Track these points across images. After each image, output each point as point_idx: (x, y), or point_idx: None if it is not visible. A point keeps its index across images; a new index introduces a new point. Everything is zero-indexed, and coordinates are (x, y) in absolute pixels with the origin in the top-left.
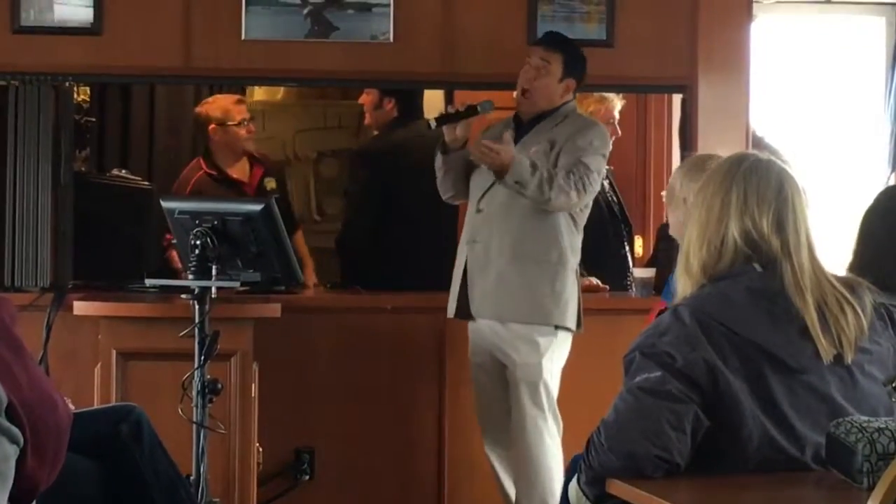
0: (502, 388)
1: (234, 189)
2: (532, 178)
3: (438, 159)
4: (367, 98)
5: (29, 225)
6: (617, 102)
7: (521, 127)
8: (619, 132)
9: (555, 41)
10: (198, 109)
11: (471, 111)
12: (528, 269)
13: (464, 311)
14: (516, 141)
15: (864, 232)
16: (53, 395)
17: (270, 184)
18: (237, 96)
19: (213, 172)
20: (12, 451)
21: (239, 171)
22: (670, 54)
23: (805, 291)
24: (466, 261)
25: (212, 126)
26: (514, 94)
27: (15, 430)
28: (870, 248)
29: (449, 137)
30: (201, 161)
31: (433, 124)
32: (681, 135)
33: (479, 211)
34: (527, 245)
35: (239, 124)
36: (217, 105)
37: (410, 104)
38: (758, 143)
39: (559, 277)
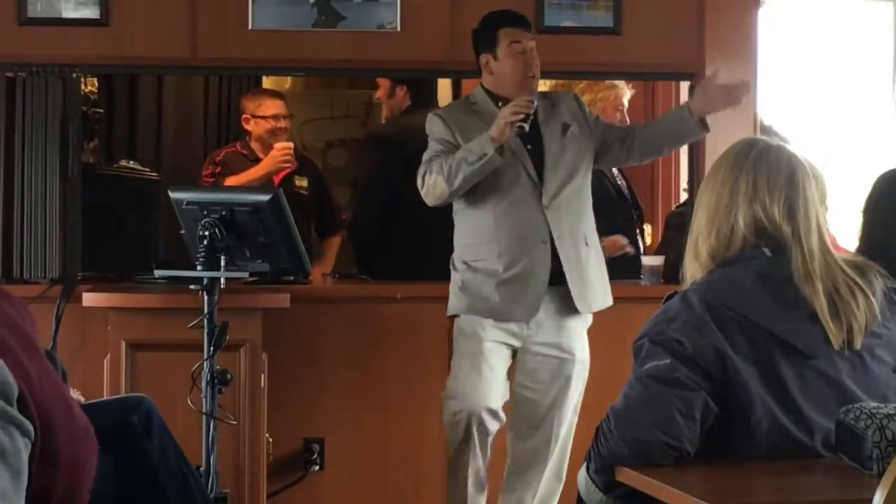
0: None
1: None
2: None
3: (491, 164)
4: (380, 91)
5: (37, 216)
6: (626, 90)
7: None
8: (628, 120)
9: (526, 19)
10: (242, 98)
11: (532, 102)
12: (595, 256)
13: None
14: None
15: (869, 217)
16: (68, 398)
17: (300, 181)
18: (276, 91)
19: (246, 153)
20: (23, 445)
21: None
22: (677, 41)
23: (814, 278)
24: (549, 259)
25: (245, 115)
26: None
27: (26, 422)
28: (877, 233)
29: (517, 132)
30: (238, 143)
31: (526, 128)
32: None
33: (547, 207)
34: (589, 232)
35: (268, 118)
36: (253, 96)
37: (423, 91)
38: (765, 131)
39: (602, 256)
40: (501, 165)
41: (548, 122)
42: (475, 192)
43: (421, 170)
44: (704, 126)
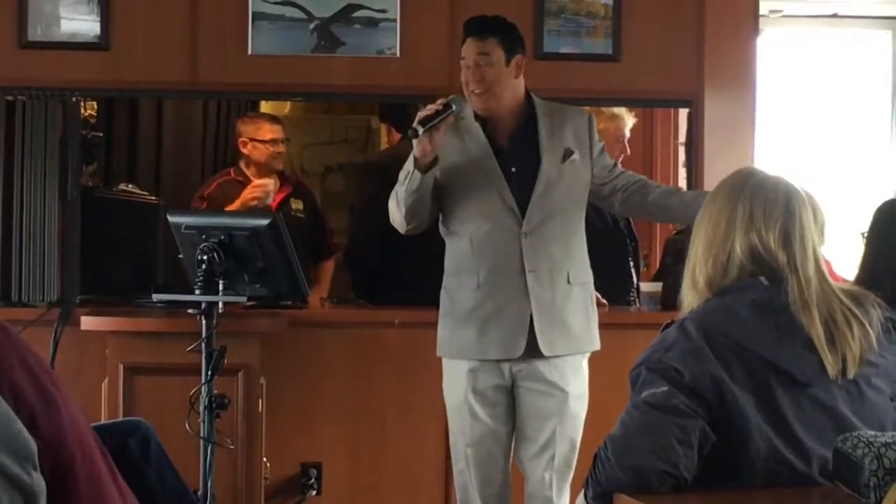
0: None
1: None
2: None
3: (415, 181)
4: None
5: (36, 239)
6: (628, 120)
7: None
8: (629, 151)
9: (487, 28)
10: (238, 121)
11: (447, 109)
12: (579, 294)
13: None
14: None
15: (871, 246)
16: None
17: (297, 204)
18: (273, 115)
19: (241, 179)
20: None
21: None
22: (676, 68)
23: (811, 306)
24: (521, 292)
25: (241, 139)
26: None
27: (37, 486)
28: (879, 262)
29: (422, 150)
30: (231, 170)
31: (420, 130)
32: (687, 149)
33: (525, 235)
34: (574, 268)
35: (266, 142)
36: (250, 120)
37: (409, 120)
38: None
39: (593, 298)
40: (482, 191)
41: (550, 142)
42: (453, 218)
43: (389, 201)
44: None
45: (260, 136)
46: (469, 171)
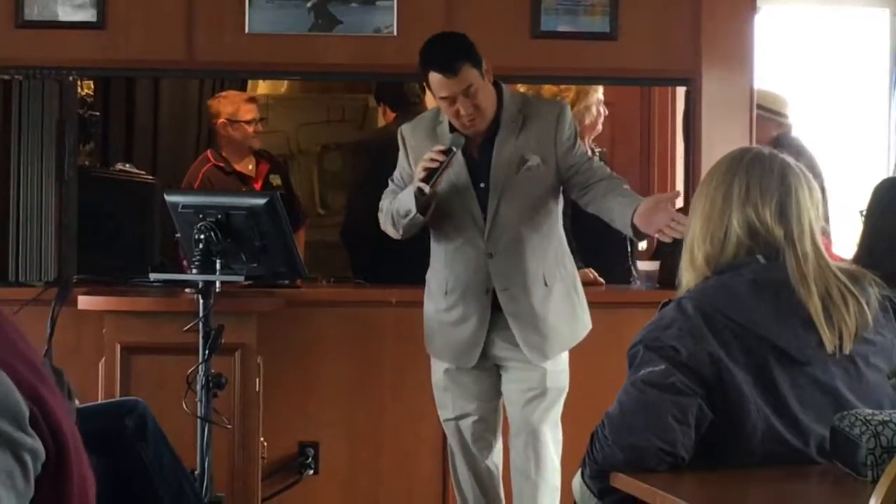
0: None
1: (243, 182)
2: None
3: (417, 223)
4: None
5: (33, 219)
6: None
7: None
8: (600, 128)
9: (453, 58)
10: (210, 102)
11: (449, 154)
12: (559, 289)
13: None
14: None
15: (870, 224)
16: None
17: (276, 180)
18: (249, 94)
19: (222, 164)
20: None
21: (245, 166)
22: (674, 47)
23: (809, 280)
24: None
25: (220, 121)
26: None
27: (38, 445)
28: (878, 241)
29: (426, 202)
30: (210, 154)
31: (427, 189)
32: (684, 128)
33: (490, 256)
34: (549, 268)
35: (247, 122)
36: (228, 101)
37: (405, 98)
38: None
39: (576, 282)
40: (454, 205)
41: (502, 152)
42: (431, 228)
43: (380, 204)
44: (638, 234)
45: (241, 117)
46: (446, 185)
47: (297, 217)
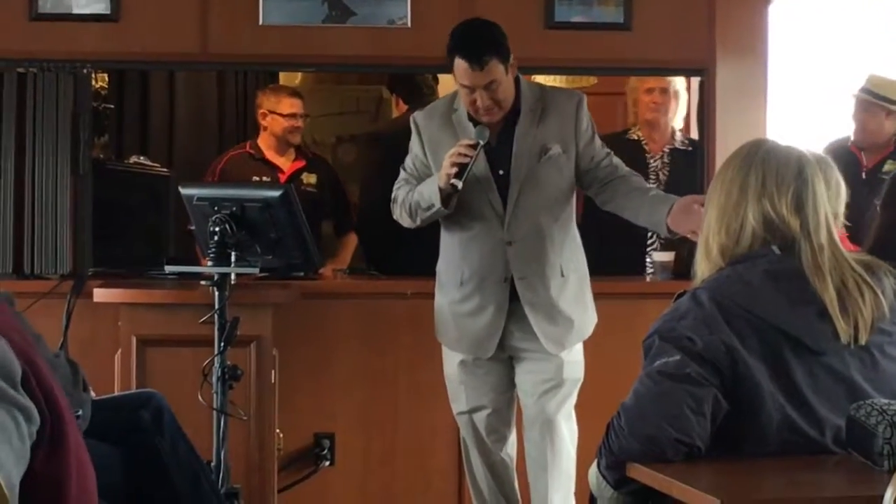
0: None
1: (268, 170)
2: None
3: (439, 215)
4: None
5: (48, 212)
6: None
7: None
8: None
9: (483, 50)
10: (258, 92)
11: (476, 147)
12: (573, 281)
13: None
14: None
15: (887, 215)
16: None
17: (309, 178)
18: (295, 90)
19: (252, 152)
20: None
21: (280, 159)
22: (688, 37)
23: (824, 271)
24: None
25: (261, 111)
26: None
27: (31, 406)
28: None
29: (448, 189)
30: (248, 143)
31: (459, 185)
32: (699, 118)
33: (509, 244)
34: (565, 258)
35: (284, 116)
36: (272, 92)
37: (418, 90)
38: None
39: (587, 275)
40: (471, 194)
41: (524, 140)
42: (446, 216)
43: (393, 193)
44: (670, 233)
45: (279, 110)
46: None
47: (347, 221)
